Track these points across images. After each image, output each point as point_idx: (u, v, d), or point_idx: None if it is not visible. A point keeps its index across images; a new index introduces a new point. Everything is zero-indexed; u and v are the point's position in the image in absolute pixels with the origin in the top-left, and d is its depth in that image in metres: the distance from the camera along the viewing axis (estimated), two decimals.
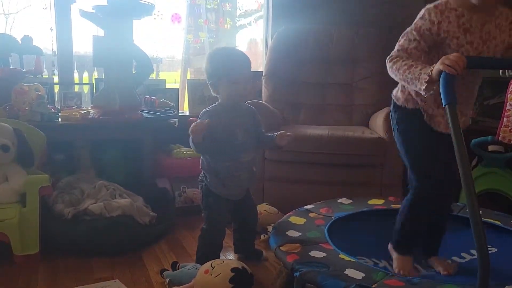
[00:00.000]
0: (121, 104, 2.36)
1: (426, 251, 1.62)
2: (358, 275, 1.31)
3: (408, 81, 1.34)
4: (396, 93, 1.52)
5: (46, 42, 2.78)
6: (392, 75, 1.41)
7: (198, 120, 1.62)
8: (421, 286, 1.27)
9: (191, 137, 1.60)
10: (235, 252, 1.94)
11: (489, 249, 1.59)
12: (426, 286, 1.28)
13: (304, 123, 2.79)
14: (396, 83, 1.49)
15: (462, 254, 1.68)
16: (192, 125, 1.57)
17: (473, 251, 1.62)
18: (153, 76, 3.10)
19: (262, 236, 2.08)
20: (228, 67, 1.64)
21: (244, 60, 1.69)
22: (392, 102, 1.55)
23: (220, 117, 1.66)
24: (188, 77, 3.40)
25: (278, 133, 1.72)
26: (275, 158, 2.45)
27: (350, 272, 1.32)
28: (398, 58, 1.38)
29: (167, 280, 1.63)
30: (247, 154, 1.71)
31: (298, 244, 1.55)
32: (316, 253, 1.47)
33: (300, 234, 1.66)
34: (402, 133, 1.50)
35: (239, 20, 3.52)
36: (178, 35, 3.39)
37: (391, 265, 1.56)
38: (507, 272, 1.47)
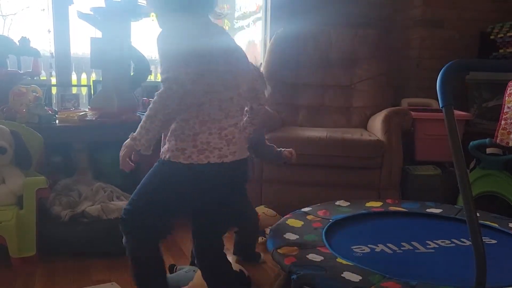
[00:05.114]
0: (119, 106, 2.36)
1: None
2: (355, 278, 1.31)
3: None
4: None
5: (44, 44, 2.79)
6: None
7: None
8: None
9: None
10: (234, 254, 1.94)
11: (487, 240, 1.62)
12: None
13: (302, 125, 2.79)
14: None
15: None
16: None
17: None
18: (151, 77, 3.10)
19: (260, 239, 2.08)
20: None
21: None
22: None
23: None
24: None
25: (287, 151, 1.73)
26: None
27: (347, 275, 1.32)
28: None
29: None
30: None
31: (295, 247, 1.55)
32: (313, 256, 1.47)
33: (298, 237, 1.66)
34: None
35: (237, 22, 3.52)
36: None
37: (389, 248, 1.56)
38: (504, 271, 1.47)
